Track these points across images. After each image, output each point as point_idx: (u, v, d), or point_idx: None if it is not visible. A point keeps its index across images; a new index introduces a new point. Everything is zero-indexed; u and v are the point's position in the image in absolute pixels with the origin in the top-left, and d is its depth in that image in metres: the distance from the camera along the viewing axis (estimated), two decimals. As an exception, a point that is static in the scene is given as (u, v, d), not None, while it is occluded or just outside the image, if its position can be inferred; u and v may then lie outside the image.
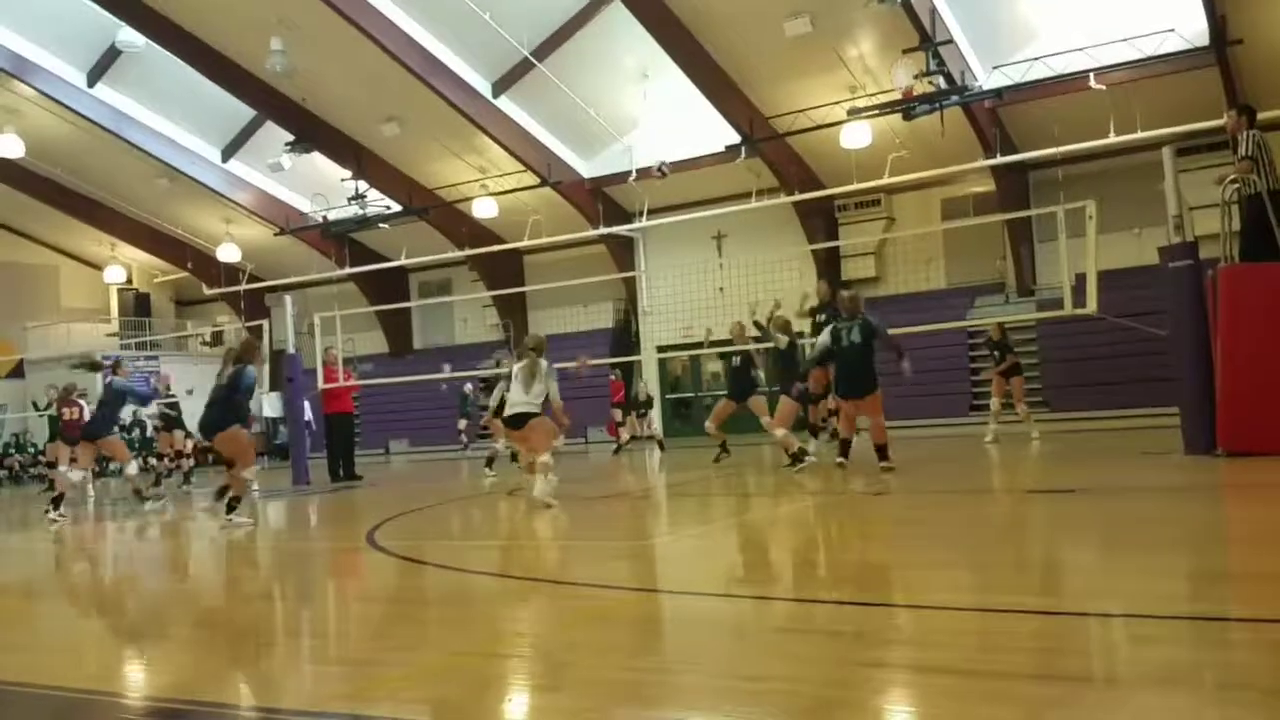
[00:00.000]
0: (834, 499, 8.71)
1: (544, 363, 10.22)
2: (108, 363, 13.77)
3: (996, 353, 14.19)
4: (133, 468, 12.46)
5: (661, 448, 16.94)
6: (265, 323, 18.49)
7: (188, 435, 16.94)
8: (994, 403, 14.08)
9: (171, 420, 17.47)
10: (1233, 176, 9.41)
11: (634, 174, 20.00)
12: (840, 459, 10.19)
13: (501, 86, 20.78)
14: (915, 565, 5.20)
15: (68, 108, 22.33)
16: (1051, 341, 18.57)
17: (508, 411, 9.53)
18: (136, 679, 3.97)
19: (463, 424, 22.75)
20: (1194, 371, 9.49)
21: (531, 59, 19.41)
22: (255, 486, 11.67)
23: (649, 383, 20.98)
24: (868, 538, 6.56)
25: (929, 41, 16.12)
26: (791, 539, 6.91)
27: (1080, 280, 11.01)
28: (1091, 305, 10.50)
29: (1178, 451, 9.58)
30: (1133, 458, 10.39)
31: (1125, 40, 16.60)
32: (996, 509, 7.77)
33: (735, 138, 19.37)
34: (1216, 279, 9.41)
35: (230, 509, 9.08)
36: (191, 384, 16.23)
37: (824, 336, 10.40)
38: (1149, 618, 3.68)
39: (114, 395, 12.09)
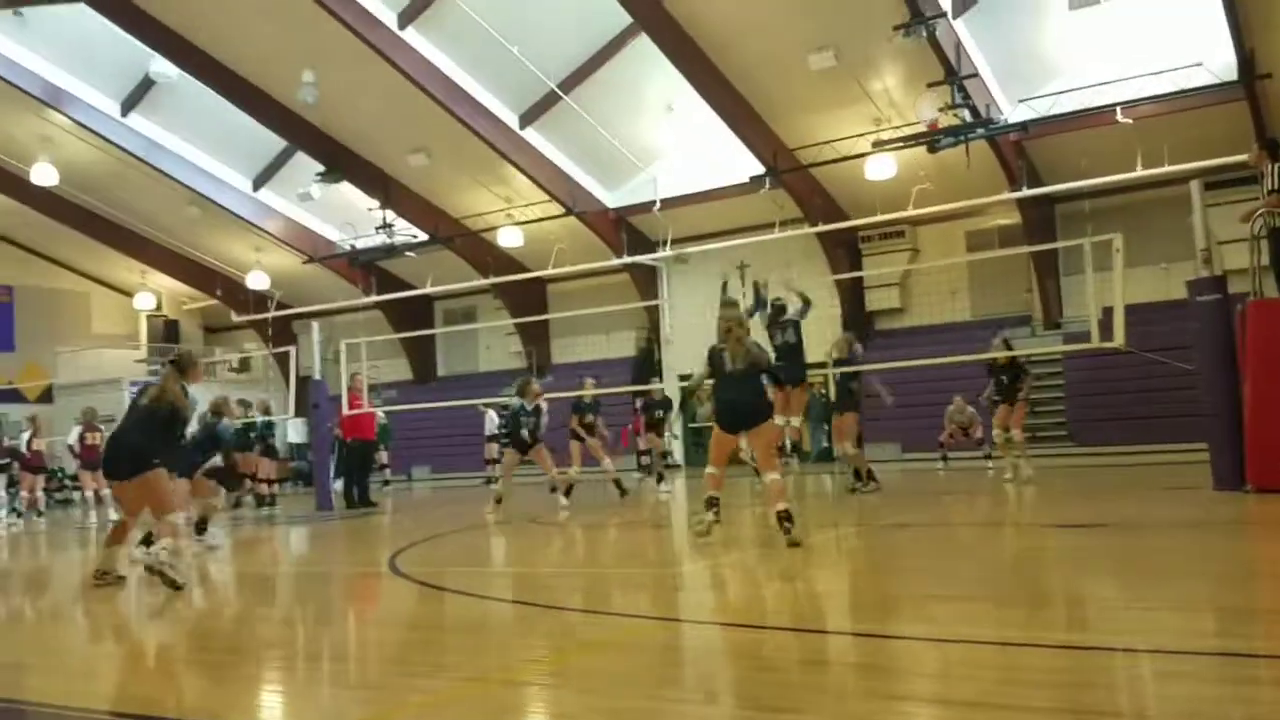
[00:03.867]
0: (855, 531, 8.65)
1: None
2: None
3: (1004, 377, 12.22)
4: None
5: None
6: (292, 349, 18.61)
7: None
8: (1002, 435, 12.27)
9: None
10: (1261, 211, 9.36)
11: (658, 204, 20.06)
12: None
13: (528, 118, 20.97)
14: (936, 598, 5.15)
15: (101, 136, 22.67)
16: (1078, 375, 18.43)
17: None
18: (156, 701, 3.98)
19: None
20: (1223, 406, 9.38)
21: (558, 92, 19.60)
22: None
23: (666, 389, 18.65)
24: (888, 571, 6.50)
25: (954, 75, 16.16)
26: (813, 571, 6.85)
27: (1107, 313, 10.91)
28: (1119, 339, 10.40)
29: (1206, 487, 9.46)
30: (1159, 493, 10.26)
31: (1153, 74, 16.52)
32: (1019, 543, 7.68)
33: (759, 168, 19.44)
34: (1245, 313, 9.34)
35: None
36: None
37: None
38: (1175, 653, 3.63)
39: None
